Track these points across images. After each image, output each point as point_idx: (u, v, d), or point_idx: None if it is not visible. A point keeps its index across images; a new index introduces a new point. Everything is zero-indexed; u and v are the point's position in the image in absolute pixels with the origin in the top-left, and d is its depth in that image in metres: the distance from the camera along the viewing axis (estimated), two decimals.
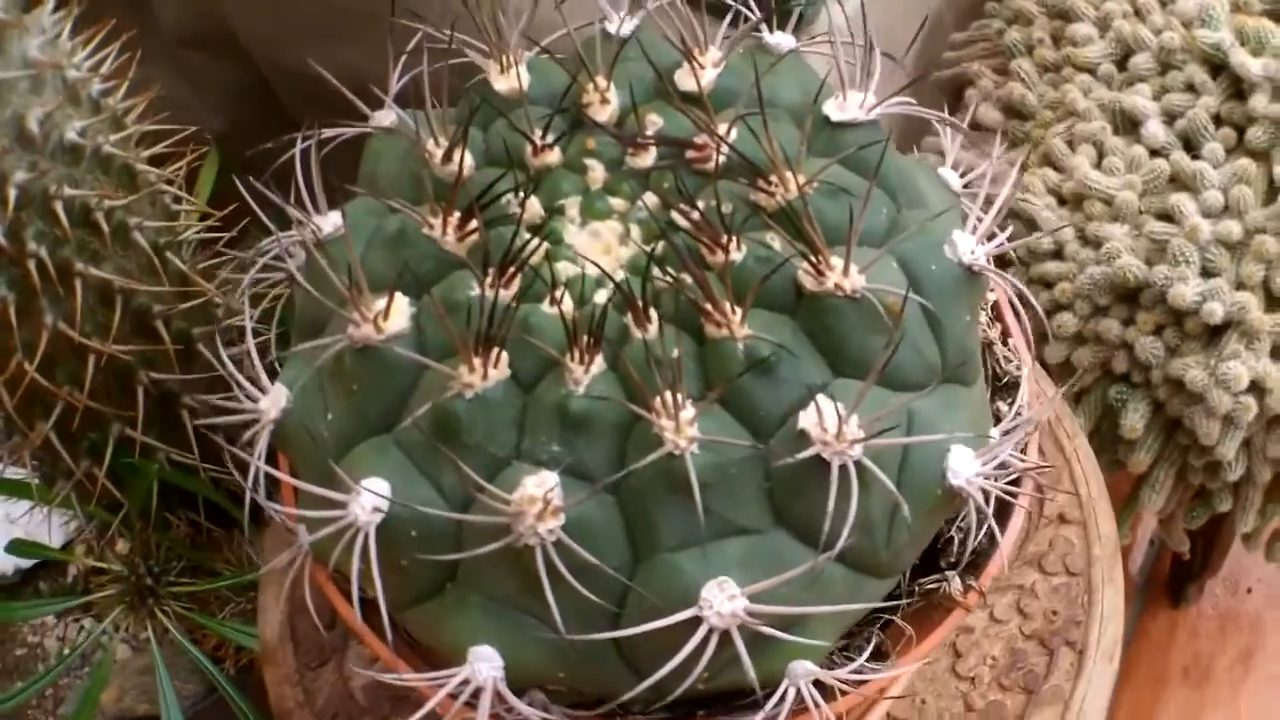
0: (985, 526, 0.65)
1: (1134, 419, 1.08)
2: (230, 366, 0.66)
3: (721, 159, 0.63)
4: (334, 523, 0.60)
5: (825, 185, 0.62)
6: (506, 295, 0.60)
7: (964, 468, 0.61)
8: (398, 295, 0.61)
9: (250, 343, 0.66)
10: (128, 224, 0.87)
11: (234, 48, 1.16)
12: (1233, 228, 1.05)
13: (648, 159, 0.65)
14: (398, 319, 0.61)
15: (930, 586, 0.69)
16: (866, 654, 0.66)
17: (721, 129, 0.63)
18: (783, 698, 0.61)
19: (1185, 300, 1.03)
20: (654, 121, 0.65)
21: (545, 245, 0.62)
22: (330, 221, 0.66)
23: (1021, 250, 1.16)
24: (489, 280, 0.60)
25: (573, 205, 0.64)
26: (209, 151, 1.04)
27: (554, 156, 0.65)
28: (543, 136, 0.65)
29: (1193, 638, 1.32)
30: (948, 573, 0.69)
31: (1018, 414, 0.70)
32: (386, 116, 0.72)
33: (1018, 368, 0.73)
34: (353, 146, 0.74)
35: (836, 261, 0.59)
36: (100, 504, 1.01)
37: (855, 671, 0.63)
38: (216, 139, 1.17)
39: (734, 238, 0.60)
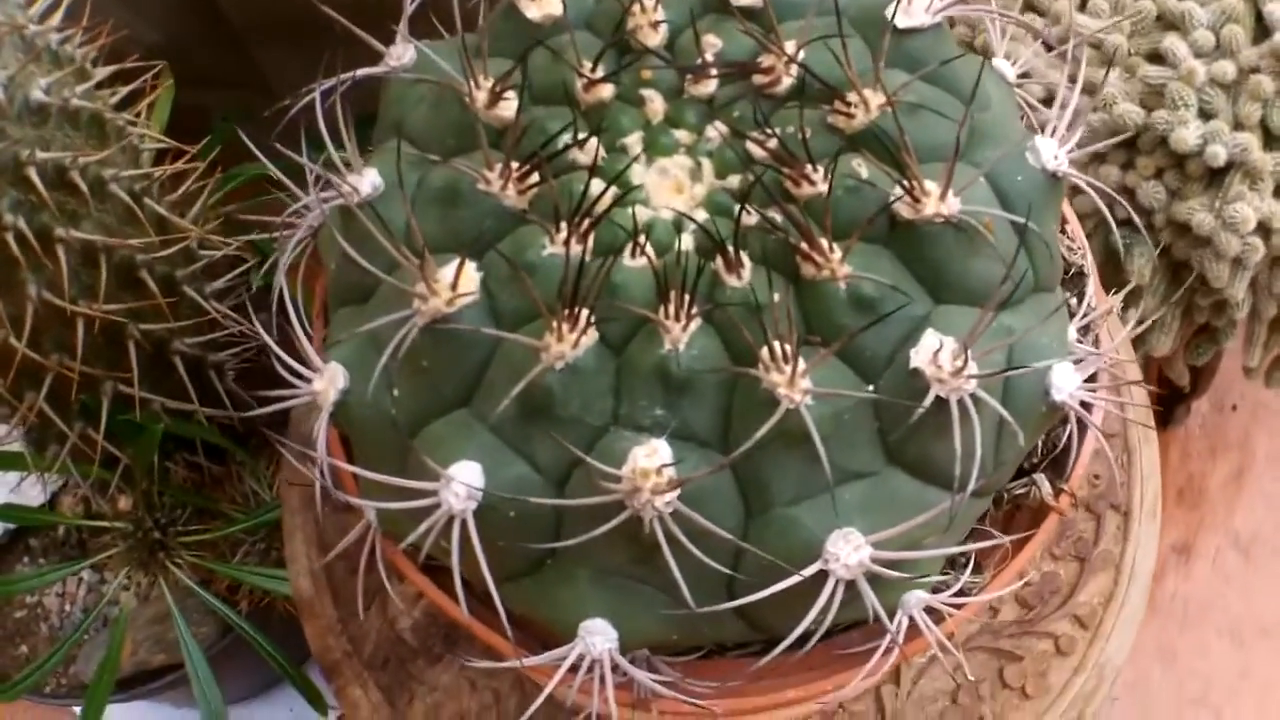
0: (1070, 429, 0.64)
1: (1140, 264, 1.07)
2: (265, 336, 0.61)
3: (792, 80, 0.59)
4: (423, 510, 0.56)
5: (904, 102, 0.58)
6: (584, 251, 0.56)
7: (1066, 383, 0.59)
8: (467, 263, 0.56)
9: (297, 323, 0.62)
10: (103, 177, 0.80)
11: None
12: (1227, 68, 1.03)
13: (710, 86, 0.60)
14: (467, 287, 0.56)
15: (1019, 492, 0.68)
16: (968, 572, 0.65)
17: (789, 48, 0.58)
18: (898, 628, 0.60)
19: (1188, 144, 1.02)
20: (712, 44, 0.60)
21: (615, 190, 0.58)
22: (368, 180, 0.61)
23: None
24: (562, 236, 0.56)
25: (634, 142, 0.60)
26: (161, 73, 0.96)
27: (607, 91, 0.60)
28: (593, 69, 0.60)
29: (1185, 460, 1.34)
30: (1036, 476, 0.68)
31: (1089, 309, 0.68)
32: (404, 52, 0.66)
33: (1083, 257, 0.71)
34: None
35: (930, 186, 0.56)
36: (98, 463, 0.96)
37: (962, 592, 0.63)
38: (156, 53, 1.09)
39: (819, 167, 0.57)
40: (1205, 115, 1.04)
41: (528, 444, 0.56)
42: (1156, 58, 1.07)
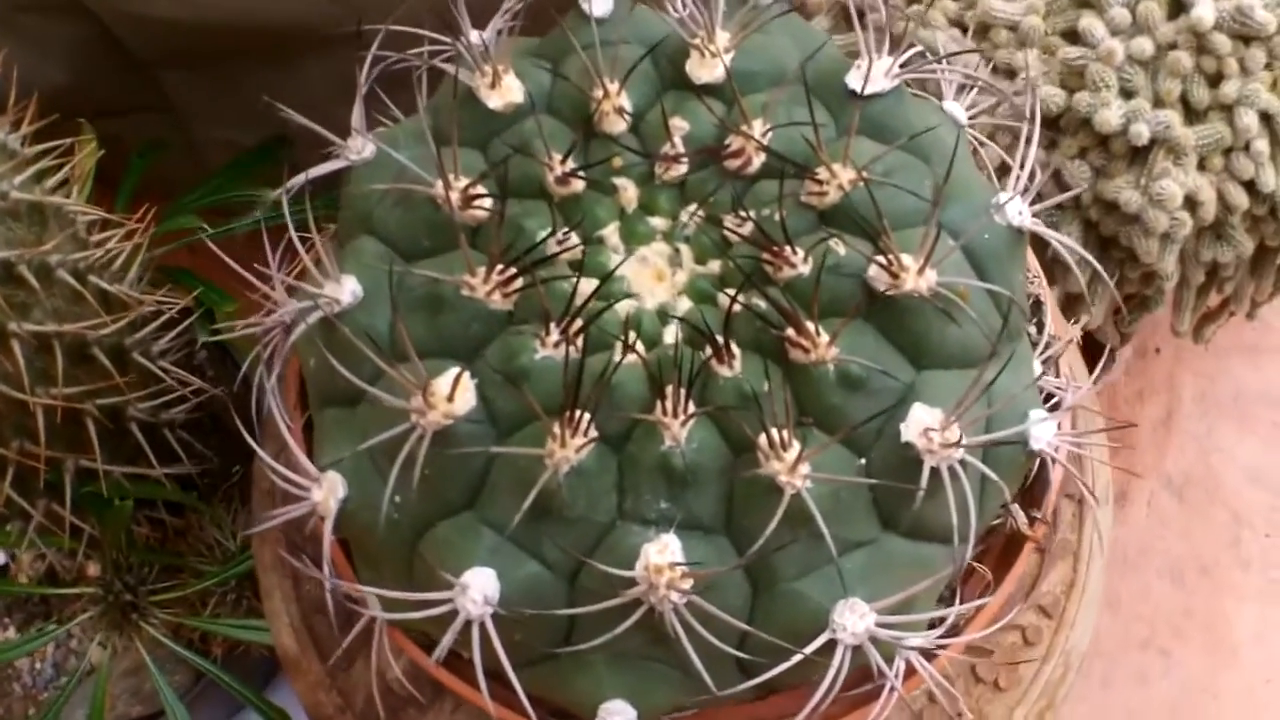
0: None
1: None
2: (274, 466, 0.61)
3: (762, 160, 0.60)
4: (440, 616, 0.57)
5: (874, 174, 0.60)
6: (575, 352, 0.57)
7: (1044, 433, 0.62)
8: (464, 375, 0.57)
9: (289, 437, 0.62)
10: (49, 265, 0.79)
11: (71, 4, 1.04)
12: (1145, 45, 1.05)
13: (681, 169, 0.61)
14: (464, 398, 0.57)
15: (995, 523, 0.70)
16: (955, 610, 0.67)
17: (757, 127, 0.59)
18: (896, 674, 0.63)
19: (1111, 125, 1.04)
20: (679, 127, 0.61)
21: (596, 283, 0.59)
22: (348, 289, 0.61)
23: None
24: (553, 339, 0.57)
25: (612, 233, 0.61)
26: (82, 130, 0.94)
27: (579, 183, 0.61)
28: (563, 161, 0.60)
29: (1114, 407, 1.39)
30: (1010, 507, 0.70)
31: (1050, 340, 0.71)
32: (362, 146, 0.65)
33: (1039, 286, 0.73)
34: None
35: (908, 260, 0.57)
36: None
37: (952, 630, 0.65)
38: (64, 92, 1.07)
39: (799, 249, 0.58)
40: (1126, 94, 1.06)
41: (537, 544, 0.57)
42: (1073, 35, 1.09)
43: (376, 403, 0.59)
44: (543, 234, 0.59)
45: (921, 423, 0.57)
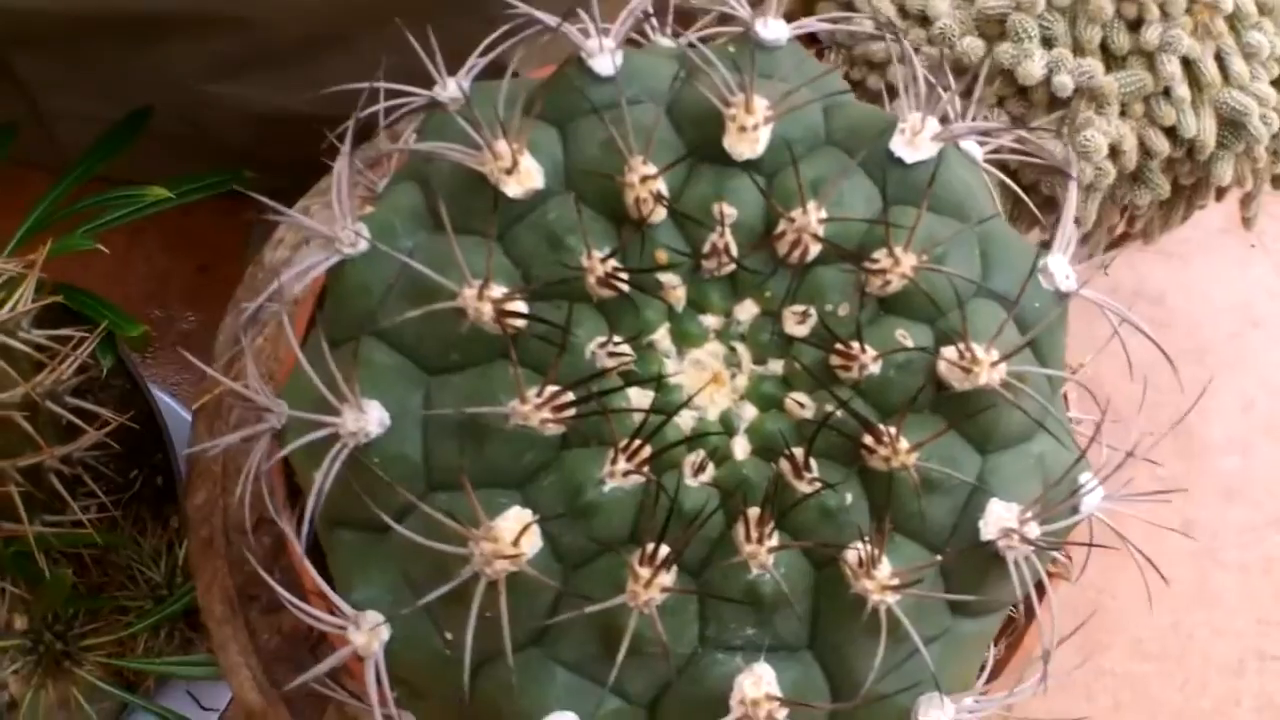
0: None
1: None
2: (304, 608, 0.56)
3: (818, 249, 0.56)
4: None
5: (932, 256, 0.56)
6: (639, 480, 0.53)
7: (1092, 501, 0.61)
8: (529, 519, 0.52)
9: (317, 577, 0.56)
10: None
11: None
12: None
13: (728, 263, 0.56)
14: (531, 540, 0.52)
15: None
16: (991, 659, 0.67)
17: (813, 214, 0.55)
18: None
19: (1034, 77, 1.03)
20: (726, 213, 0.56)
21: (652, 394, 0.55)
22: (374, 417, 0.55)
23: (841, 34, 1.10)
24: (621, 467, 0.53)
25: (662, 335, 0.56)
26: None
27: (621, 283, 0.55)
28: (605, 260, 0.55)
29: None
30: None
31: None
32: (355, 241, 0.58)
33: None
34: None
35: (981, 353, 0.55)
36: None
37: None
38: None
39: (868, 347, 0.55)
40: (1046, 42, 1.05)
41: (616, 680, 0.54)
42: None
43: (430, 551, 0.54)
44: (592, 346, 0.54)
45: (1000, 520, 0.55)
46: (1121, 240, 1.24)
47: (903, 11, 1.09)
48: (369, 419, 0.55)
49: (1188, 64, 1.05)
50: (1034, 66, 1.03)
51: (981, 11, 1.05)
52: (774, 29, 0.61)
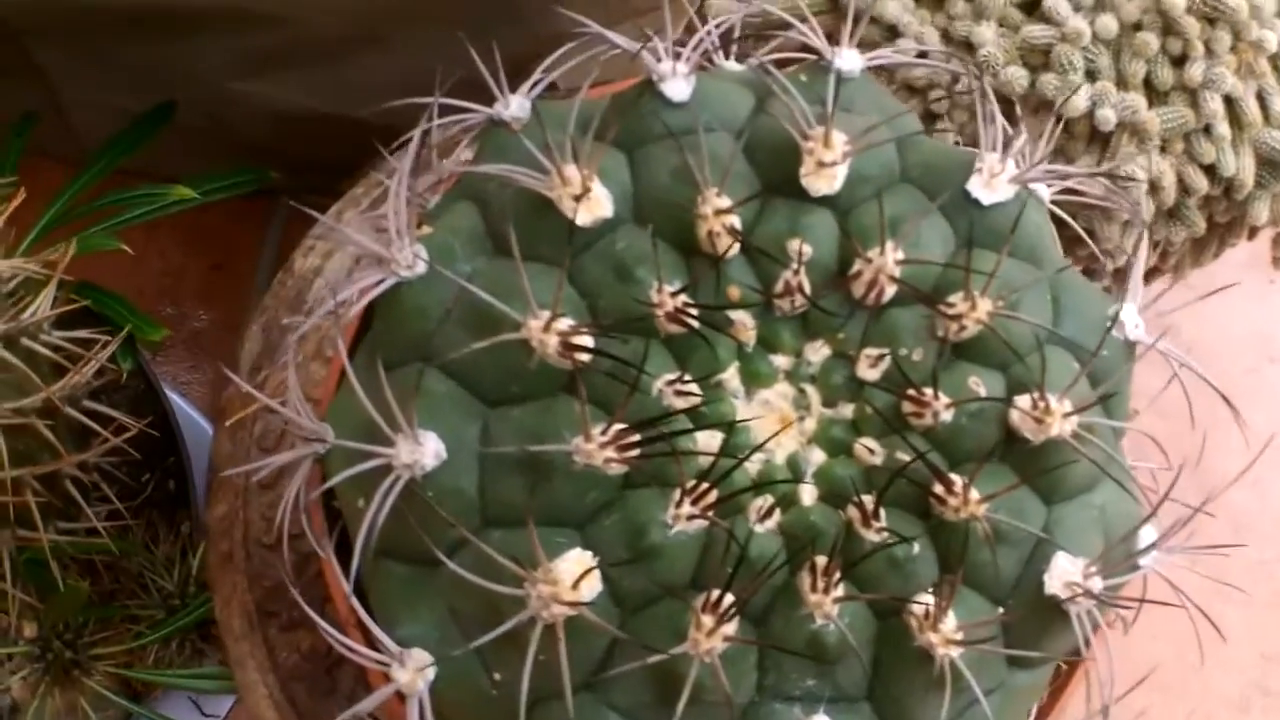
0: None
1: None
2: (348, 643, 0.54)
3: (894, 290, 0.54)
4: None
5: (1008, 303, 0.55)
6: (703, 524, 0.51)
7: (1149, 560, 0.59)
8: (590, 562, 0.50)
9: (363, 613, 0.54)
10: None
11: None
12: (1110, 23, 1.02)
13: (802, 303, 0.55)
14: (590, 584, 0.51)
15: None
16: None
17: (889, 255, 0.54)
18: None
19: (1079, 110, 1.02)
20: (802, 251, 0.54)
21: (721, 436, 0.53)
22: (430, 450, 0.53)
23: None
24: (685, 511, 0.51)
25: (731, 375, 0.54)
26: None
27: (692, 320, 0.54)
28: (676, 294, 0.53)
29: None
30: None
31: None
32: (413, 261, 0.56)
33: None
34: None
35: (1055, 404, 0.53)
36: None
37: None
38: None
39: (941, 394, 0.53)
40: (1090, 75, 1.04)
41: None
42: (1030, 8, 1.05)
43: (473, 577, 0.52)
44: (659, 384, 0.53)
45: (1065, 574, 0.54)
46: (1151, 275, 1.23)
47: (946, 36, 1.07)
48: (425, 451, 0.53)
49: (1230, 102, 1.03)
50: (1079, 99, 1.01)
51: (1026, 40, 1.03)
52: (849, 59, 0.59)
